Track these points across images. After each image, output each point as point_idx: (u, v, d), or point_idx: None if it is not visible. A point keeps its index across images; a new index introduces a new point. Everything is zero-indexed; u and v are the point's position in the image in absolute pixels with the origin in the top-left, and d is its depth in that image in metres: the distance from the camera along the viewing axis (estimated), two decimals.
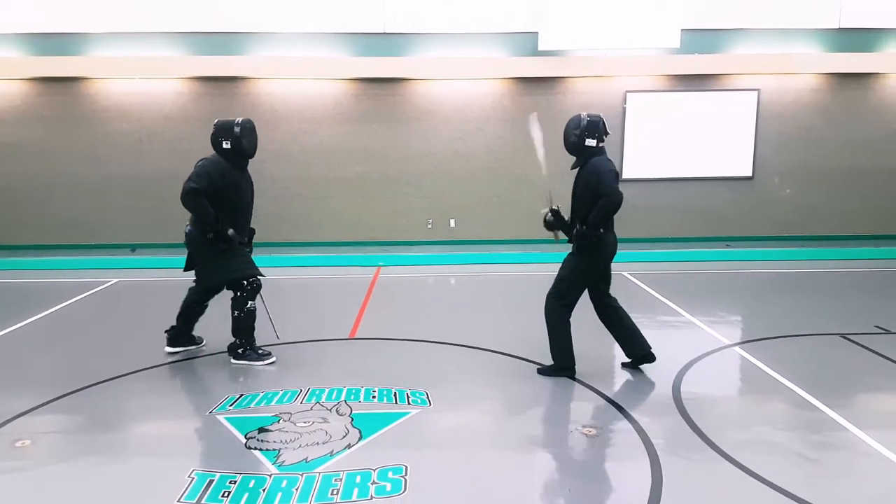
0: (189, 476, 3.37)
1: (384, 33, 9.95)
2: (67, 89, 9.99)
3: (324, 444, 3.71)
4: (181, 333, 5.38)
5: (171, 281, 8.25)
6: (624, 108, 10.29)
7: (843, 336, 5.78)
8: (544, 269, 8.81)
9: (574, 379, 4.77)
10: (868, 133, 10.48)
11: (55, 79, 9.91)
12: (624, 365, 5.07)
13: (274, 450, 3.65)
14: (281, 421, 4.02)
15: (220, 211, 4.79)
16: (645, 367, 5.01)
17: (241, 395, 4.44)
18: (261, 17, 9.86)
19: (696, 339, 5.71)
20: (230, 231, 4.80)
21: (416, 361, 5.25)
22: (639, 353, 4.93)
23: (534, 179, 10.38)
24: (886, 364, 5.09)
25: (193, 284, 5.25)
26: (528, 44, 10.00)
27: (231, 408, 4.25)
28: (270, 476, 3.37)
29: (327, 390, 4.51)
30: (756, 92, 10.31)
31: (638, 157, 10.36)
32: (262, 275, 5.12)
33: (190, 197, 4.66)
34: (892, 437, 3.85)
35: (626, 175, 10.29)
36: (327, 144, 10.28)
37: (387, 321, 6.37)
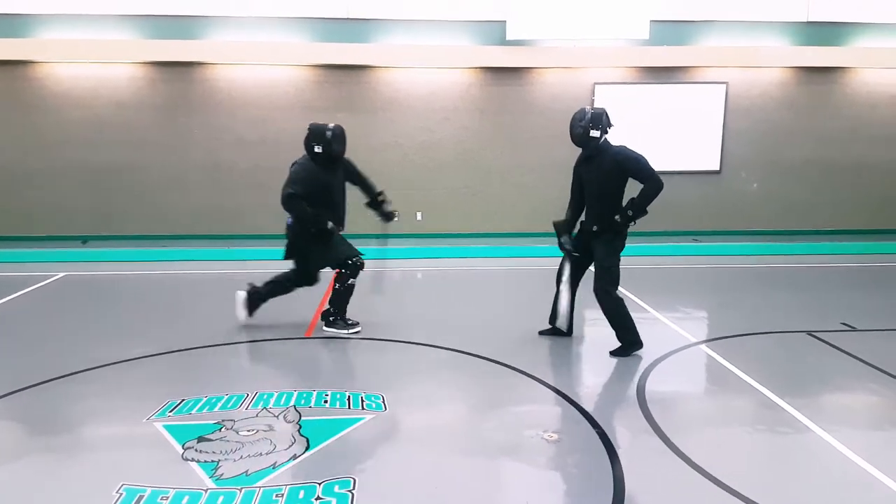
0: (118, 492, 3.11)
1: (347, 19, 9.65)
2: (13, 73, 9.51)
3: (267, 454, 3.47)
4: (257, 299, 5.69)
5: (124, 275, 7.93)
6: (592, 101, 10.15)
7: (810, 333, 5.72)
8: (514, 264, 8.78)
9: (542, 382, 4.60)
10: (835, 127, 10.50)
11: (0, 62, 9.43)
12: (542, 332, 5.56)
13: (212, 461, 3.40)
14: (223, 429, 3.77)
15: (315, 208, 5.30)
16: (610, 366, 4.98)
17: (183, 400, 4.17)
18: None
19: (662, 337, 5.60)
20: (329, 224, 5.32)
21: (375, 362, 5.03)
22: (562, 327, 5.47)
23: (502, 172, 10.23)
24: (851, 362, 5.03)
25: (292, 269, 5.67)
26: (495, 33, 9.79)
27: (171, 414, 3.98)
28: (206, 491, 3.12)
29: (276, 395, 4.26)
30: (724, 85, 10.25)
31: None
32: (361, 254, 5.59)
33: (289, 202, 5.25)
34: (853, 437, 3.79)
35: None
36: (289, 133, 9.91)
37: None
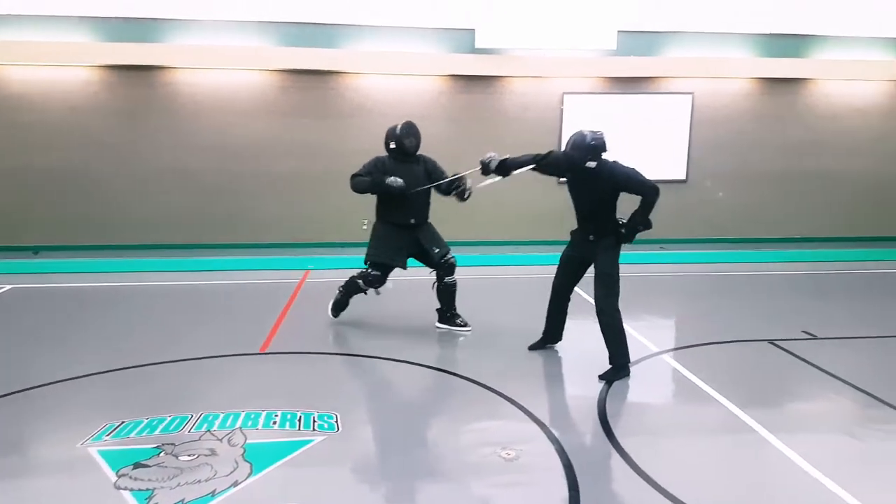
0: None
1: (314, 23, 9.49)
2: None
3: (206, 481, 3.30)
4: (341, 304, 6.19)
5: (77, 287, 7.65)
6: (561, 110, 10.13)
7: (772, 342, 5.70)
8: (485, 273, 8.66)
9: (503, 396, 4.48)
10: (798, 138, 10.60)
11: None
12: (532, 347, 5.45)
13: (147, 489, 3.22)
14: (162, 454, 3.58)
15: (385, 201, 5.80)
16: (573, 378, 5.01)
17: (123, 423, 3.96)
18: (181, 1, 9.25)
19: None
20: (389, 178, 5.61)
21: (331, 379, 4.88)
22: (552, 341, 5.46)
23: (473, 181, 10.12)
24: (811, 371, 5.01)
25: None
26: (465, 41, 9.72)
27: (108, 438, 3.78)
28: None
29: (222, 415, 4.08)
30: (690, 95, 10.29)
31: None
32: (402, 266, 5.94)
33: (351, 182, 5.80)
34: (809, 447, 3.78)
35: (564, 178, 10.09)
36: (255, 139, 9.77)
37: (306, 332, 5.91)
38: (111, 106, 9.43)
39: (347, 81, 9.77)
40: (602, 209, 4.95)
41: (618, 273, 4.95)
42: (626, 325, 6.08)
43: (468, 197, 5.86)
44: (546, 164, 5.07)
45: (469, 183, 5.84)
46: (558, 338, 5.46)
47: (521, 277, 8.46)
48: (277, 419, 4.04)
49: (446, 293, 5.94)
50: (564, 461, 3.60)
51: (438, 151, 10.01)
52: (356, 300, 6.16)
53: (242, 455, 3.58)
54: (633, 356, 5.28)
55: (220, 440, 3.76)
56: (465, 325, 5.99)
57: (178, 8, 9.22)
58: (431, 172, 5.95)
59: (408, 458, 3.69)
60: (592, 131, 4.87)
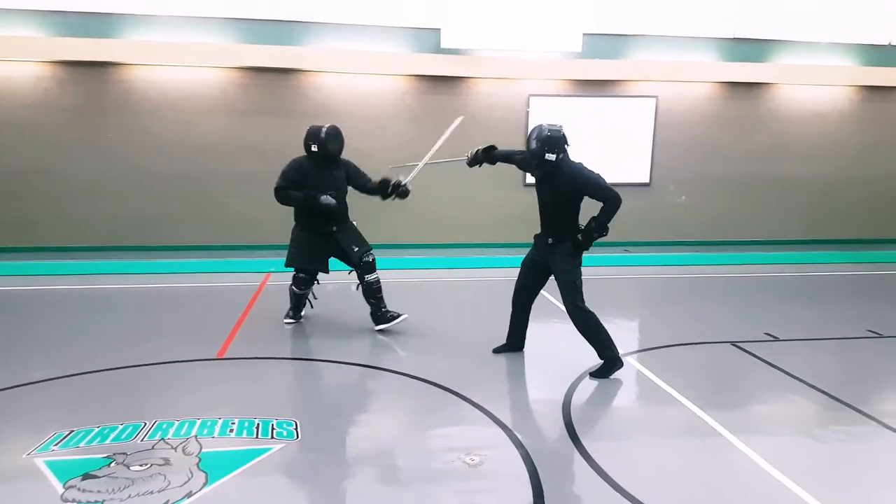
0: None
1: (276, 20, 9.31)
2: None
3: (159, 492, 3.16)
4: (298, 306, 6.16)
5: (28, 290, 7.38)
6: (527, 112, 10.12)
7: (734, 344, 5.75)
8: (453, 275, 8.60)
9: (468, 400, 4.42)
10: (760, 142, 10.77)
11: None
12: (496, 350, 5.40)
13: (97, 502, 3.07)
14: (113, 464, 3.43)
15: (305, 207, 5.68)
16: (537, 381, 4.96)
17: (72, 431, 3.79)
18: None
19: (590, 349, 5.50)
20: (323, 196, 5.57)
21: (291, 384, 4.76)
22: (516, 345, 5.40)
23: (439, 183, 10.07)
24: (772, 372, 5.06)
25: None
26: (430, 40, 9.64)
27: (55, 448, 3.61)
28: None
29: (177, 423, 3.93)
30: (654, 99, 10.37)
31: None
32: (318, 272, 6.00)
33: (277, 195, 5.71)
34: (769, 448, 3.82)
35: (529, 180, 10.11)
36: (214, 138, 9.55)
37: (266, 337, 5.76)
38: (63, 103, 9.10)
39: (310, 80, 9.62)
40: (562, 212, 4.91)
41: (579, 278, 4.94)
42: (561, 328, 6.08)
43: (406, 194, 5.78)
44: (521, 157, 5.19)
45: (401, 178, 5.79)
46: (520, 346, 5.42)
47: (484, 280, 8.42)
48: (234, 427, 3.91)
49: (370, 291, 5.83)
50: (529, 466, 3.55)
51: (403, 152, 9.96)
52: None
53: (197, 464, 3.45)
54: (597, 359, 5.26)
55: (175, 449, 3.62)
56: (398, 315, 5.89)
57: (134, 3, 8.95)
58: (353, 177, 5.87)
59: (370, 465, 3.61)
60: (550, 124, 4.86)
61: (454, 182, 10.06)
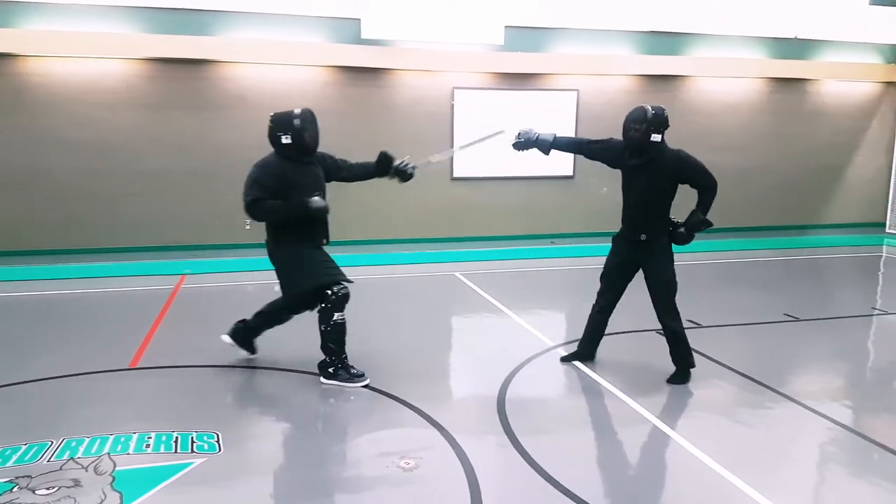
0: None
1: (185, 9, 8.86)
2: None
3: None
4: (249, 331, 4.95)
5: None
6: (452, 105, 10.06)
7: (657, 331, 5.84)
8: (383, 272, 8.43)
9: (402, 402, 4.31)
10: (677, 134, 10.92)
11: None
12: (565, 359, 5.11)
13: None
14: (16, 488, 3.14)
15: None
16: (471, 378, 4.92)
17: None
18: None
19: (522, 343, 5.54)
20: (311, 199, 4.41)
21: (211, 394, 4.49)
22: (587, 354, 5.06)
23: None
24: (697, 358, 5.15)
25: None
26: (350, 31, 9.41)
27: None
28: None
29: (87, 441, 3.65)
30: (575, 92, 10.51)
31: (467, 155, 10.15)
32: (348, 280, 4.66)
33: (253, 210, 4.44)
34: (694, 431, 3.92)
35: (456, 174, 10.06)
36: (120, 134, 9.00)
37: (182, 344, 5.44)
38: None
39: (223, 71, 9.21)
40: (660, 203, 4.55)
41: (676, 278, 4.62)
42: (521, 321, 6.10)
43: (410, 173, 5.07)
44: (599, 147, 4.74)
45: (408, 160, 5.11)
46: (593, 355, 5.09)
47: (414, 276, 8.33)
48: (151, 442, 3.65)
49: (338, 332, 4.62)
50: (466, 466, 3.49)
51: (327, 145, 9.72)
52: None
53: (111, 484, 3.21)
54: (528, 352, 5.31)
55: (85, 469, 3.35)
56: (362, 376, 4.66)
57: None
58: (339, 170, 4.98)
59: (299, 475, 3.45)
60: (653, 106, 4.46)
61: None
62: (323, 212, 4.49)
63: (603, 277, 4.93)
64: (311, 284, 4.54)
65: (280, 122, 4.52)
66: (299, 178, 4.53)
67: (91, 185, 8.97)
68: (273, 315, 4.89)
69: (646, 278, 4.70)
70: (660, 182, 4.50)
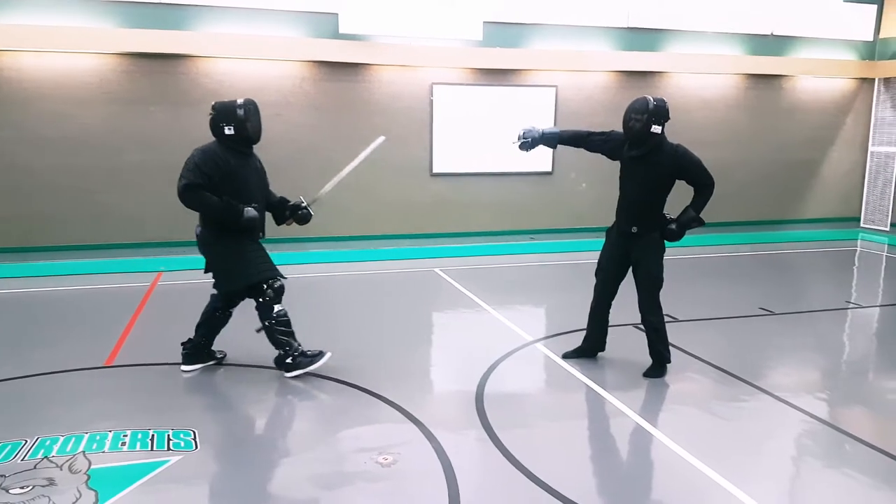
0: None
1: (161, 3, 8.75)
2: None
3: None
4: (201, 347, 4.76)
5: None
6: (431, 101, 10.03)
7: (636, 326, 5.89)
8: (360, 268, 8.42)
9: (380, 398, 4.30)
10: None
11: None
12: (566, 355, 5.08)
13: None
14: None
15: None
16: (449, 373, 4.93)
17: None
18: None
19: (500, 337, 5.56)
20: (246, 209, 4.34)
21: (188, 391, 4.47)
22: (594, 349, 5.04)
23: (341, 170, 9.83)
24: (673, 352, 5.20)
25: (214, 291, 4.71)
26: (328, 26, 9.34)
27: None
28: None
29: (62, 439, 3.61)
30: (554, 88, 10.54)
31: (447, 151, 10.16)
32: (283, 276, 4.64)
33: (187, 195, 4.27)
34: (676, 428, 3.92)
35: (436, 170, 10.05)
36: (96, 129, 8.87)
37: (158, 341, 5.35)
38: None
39: (200, 66, 9.11)
40: (655, 197, 4.57)
41: (662, 274, 4.66)
42: (499, 316, 6.12)
43: (306, 219, 4.94)
44: (601, 138, 4.84)
45: (302, 199, 4.94)
46: (602, 347, 5.07)
47: (394, 272, 8.32)
48: (126, 440, 3.62)
49: (281, 325, 4.61)
50: (444, 461, 3.50)
51: (304, 142, 9.71)
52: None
53: (86, 482, 3.18)
54: (507, 347, 5.33)
55: (60, 467, 3.32)
56: (319, 354, 4.69)
57: None
58: (263, 170, 4.78)
59: (276, 473, 3.44)
60: (654, 97, 4.51)
61: (354, 171, 9.86)
62: (250, 223, 4.39)
63: (598, 272, 4.95)
64: (249, 281, 4.50)
65: (223, 112, 4.42)
66: (241, 170, 4.45)
67: (65, 181, 8.82)
68: (213, 321, 4.74)
69: (633, 272, 4.74)
70: (657, 175, 4.52)
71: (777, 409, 4.26)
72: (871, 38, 11.66)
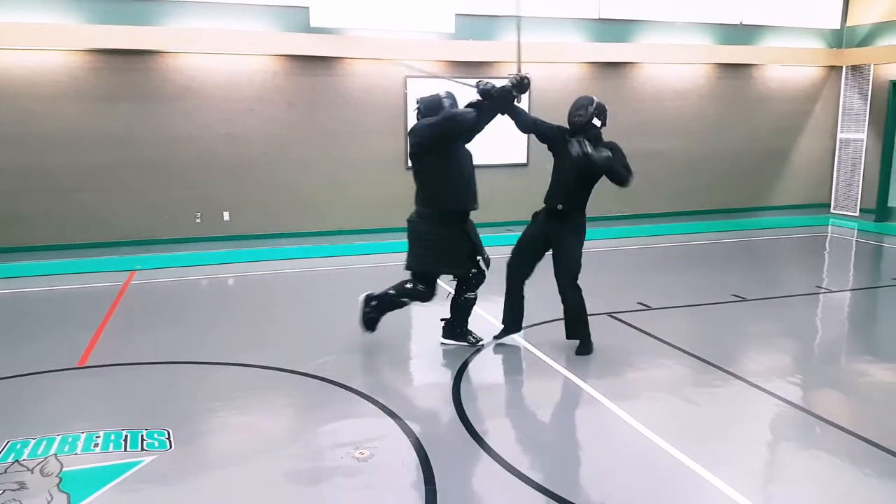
0: None
1: None
2: None
3: None
4: (452, 326, 5.20)
5: None
6: (405, 94, 10.00)
7: (610, 315, 5.98)
8: (337, 263, 8.36)
9: (357, 392, 4.30)
10: (627, 120, 11.21)
11: None
12: (497, 337, 5.25)
13: None
14: None
15: (445, 182, 5.01)
16: (426, 366, 4.96)
17: None
18: None
19: (476, 328, 5.51)
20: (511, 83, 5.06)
21: (161, 391, 4.41)
22: (515, 326, 5.23)
23: (316, 167, 9.77)
24: (646, 339, 5.33)
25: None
26: (299, 19, 9.25)
27: None
28: None
29: (33, 442, 3.55)
30: None
31: None
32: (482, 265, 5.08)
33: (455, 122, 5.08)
34: (651, 416, 3.96)
35: (410, 163, 10.00)
36: (63, 128, 8.70)
37: (131, 341, 5.32)
38: None
39: (169, 62, 8.98)
40: (584, 182, 4.92)
41: (581, 255, 4.96)
42: (475, 308, 6.12)
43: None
44: (546, 125, 5.34)
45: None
46: (519, 326, 5.26)
47: (368, 266, 8.28)
48: (99, 441, 3.58)
49: (468, 306, 5.18)
50: (420, 454, 3.51)
51: (277, 135, 9.63)
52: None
53: (58, 485, 3.14)
54: (483, 337, 5.33)
55: (31, 471, 3.27)
56: (478, 340, 5.21)
57: None
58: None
59: (251, 470, 3.41)
60: (598, 98, 5.06)
61: (329, 165, 9.82)
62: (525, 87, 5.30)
63: (513, 252, 5.19)
64: (455, 268, 5.05)
65: (430, 105, 5.33)
66: (459, 149, 5.44)
67: (35, 180, 8.66)
68: (456, 306, 5.17)
69: (553, 255, 4.99)
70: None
71: (750, 394, 4.32)
72: (838, 26, 11.82)
